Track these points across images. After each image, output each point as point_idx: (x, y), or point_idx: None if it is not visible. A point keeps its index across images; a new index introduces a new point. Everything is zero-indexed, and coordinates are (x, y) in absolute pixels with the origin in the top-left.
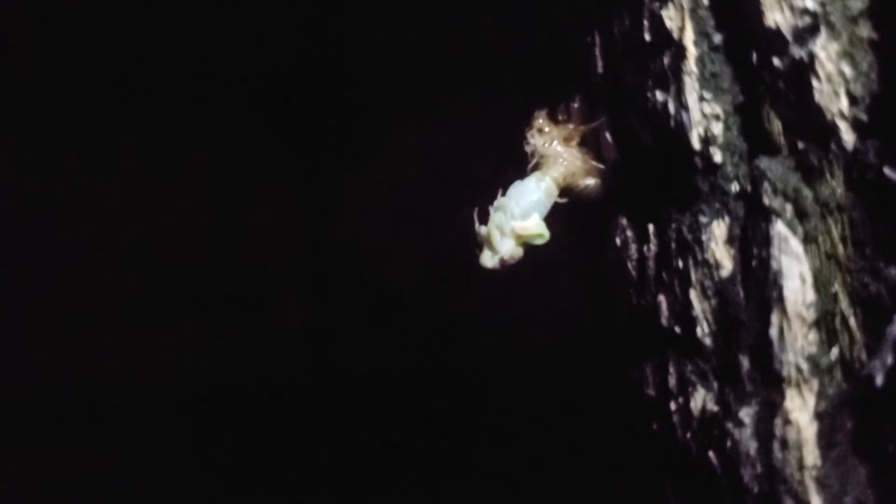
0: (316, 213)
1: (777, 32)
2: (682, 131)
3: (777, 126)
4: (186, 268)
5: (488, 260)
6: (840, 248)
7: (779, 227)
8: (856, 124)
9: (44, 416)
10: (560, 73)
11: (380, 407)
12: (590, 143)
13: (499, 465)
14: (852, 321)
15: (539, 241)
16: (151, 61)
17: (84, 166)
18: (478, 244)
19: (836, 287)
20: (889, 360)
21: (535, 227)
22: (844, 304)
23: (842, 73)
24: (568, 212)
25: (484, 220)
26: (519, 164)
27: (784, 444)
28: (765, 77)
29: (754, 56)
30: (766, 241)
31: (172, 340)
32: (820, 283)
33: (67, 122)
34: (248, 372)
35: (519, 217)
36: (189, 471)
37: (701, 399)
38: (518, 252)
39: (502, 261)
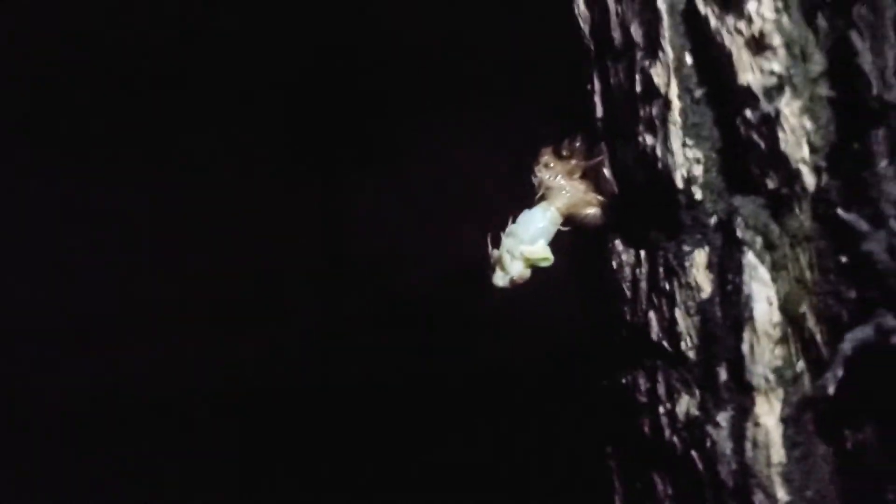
0: (330, 220)
1: (749, 90)
2: (668, 172)
3: (751, 168)
4: (202, 273)
5: (500, 280)
6: (807, 274)
7: (749, 257)
8: (816, 170)
9: (60, 418)
10: (564, 112)
11: (393, 412)
12: (590, 177)
13: (513, 469)
14: (818, 337)
15: (544, 264)
16: (168, 68)
17: (103, 173)
18: (490, 266)
19: (804, 307)
20: (840, 373)
21: (541, 252)
22: (811, 322)
23: (804, 127)
24: (570, 238)
25: (496, 244)
26: (528, 184)
27: (754, 444)
28: (739, 127)
29: (730, 109)
30: (739, 269)
31: (187, 345)
32: (789, 305)
33: (86, 129)
34: (262, 377)
35: (527, 242)
36: (201, 471)
37: (685, 404)
38: (526, 273)
39: (512, 281)
